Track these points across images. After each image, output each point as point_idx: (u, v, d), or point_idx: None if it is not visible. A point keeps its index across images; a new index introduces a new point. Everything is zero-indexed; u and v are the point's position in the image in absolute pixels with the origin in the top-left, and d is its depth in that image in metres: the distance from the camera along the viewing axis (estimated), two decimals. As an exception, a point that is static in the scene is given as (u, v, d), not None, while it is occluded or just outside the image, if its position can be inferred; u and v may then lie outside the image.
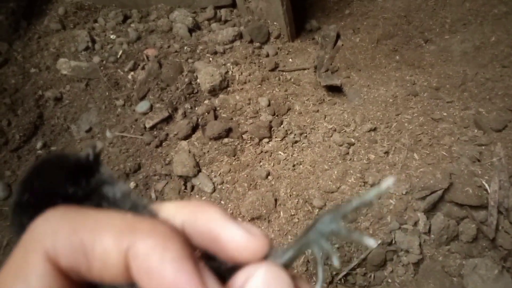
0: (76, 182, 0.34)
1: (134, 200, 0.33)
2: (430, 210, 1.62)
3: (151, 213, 0.33)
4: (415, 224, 1.60)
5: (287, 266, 0.33)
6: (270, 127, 1.94)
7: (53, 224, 0.28)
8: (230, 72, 2.15)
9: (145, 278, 0.27)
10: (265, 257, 0.33)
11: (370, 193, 0.32)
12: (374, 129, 1.91)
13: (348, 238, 0.32)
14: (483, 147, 1.73)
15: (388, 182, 0.31)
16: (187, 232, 0.32)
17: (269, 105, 2.03)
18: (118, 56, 2.27)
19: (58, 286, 0.27)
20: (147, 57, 2.24)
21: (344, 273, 1.56)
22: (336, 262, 0.31)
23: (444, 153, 1.74)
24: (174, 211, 0.33)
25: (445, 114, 1.89)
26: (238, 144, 1.91)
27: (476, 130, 1.79)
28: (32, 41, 2.39)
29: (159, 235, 0.28)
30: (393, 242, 1.58)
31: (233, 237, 0.32)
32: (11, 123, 2.07)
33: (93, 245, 0.27)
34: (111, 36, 2.39)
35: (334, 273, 1.57)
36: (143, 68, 2.20)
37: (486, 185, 1.59)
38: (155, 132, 2.00)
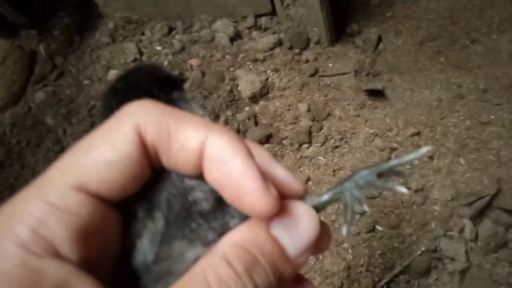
0: (162, 89, 0.40)
1: None
2: (477, 217, 1.57)
3: None
4: (461, 231, 1.55)
5: (319, 209, 0.37)
6: (310, 133, 1.96)
7: (147, 107, 0.32)
8: (270, 79, 2.19)
9: (215, 165, 0.31)
10: (302, 198, 0.37)
11: (408, 157, 0.36)
12: (418, 134, 1.87)
13: (382, 187, 0.36)
14: (534, 151, 1.65)
15: (425, 149, 0.36)
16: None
17: (309, 110, 2.04)
18: (164, 67, 2.36)
19: (139, 157, 0.31)
20: (191, 67, 2.33)
21: (386, 280, 1.54)
22: (366, 208, 0.35)
23: (492, 158, 1.68)
24: None
25: (493, 117, 1.82)
26: (278, 149, 1.94)
27: (526, 133, 1.72)
28: (85, 54, 2.54)
29: (233, 135, 0.32)
30: (438, 249, 1.54)
31: (279, 174, 0.36)
32: (66, 131, 2.21)
33: (177, 130, 0.32)
34: (157, 48, 2.49)
35: (376, 280, 1.55)
36: (187, 78, 2.28)
37: (538, 191, 1.52)
38: (198, 139, 2.06)
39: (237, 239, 0.32)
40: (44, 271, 0.27)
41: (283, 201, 0.34)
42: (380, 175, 0.36)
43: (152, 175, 0.34)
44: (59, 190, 0.30)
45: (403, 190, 0.35)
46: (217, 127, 0.32)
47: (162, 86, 0.40)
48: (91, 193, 0.30)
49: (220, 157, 0.31)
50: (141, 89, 0.38)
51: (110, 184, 0.30)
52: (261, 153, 0.37)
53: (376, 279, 1.55)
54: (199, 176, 0.34)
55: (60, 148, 2.15)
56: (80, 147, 0.31)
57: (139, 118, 0.31)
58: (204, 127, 0.32)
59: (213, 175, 0.32)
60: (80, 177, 0.30)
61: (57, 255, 0.28)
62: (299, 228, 0.34)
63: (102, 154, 0.30)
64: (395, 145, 1.85)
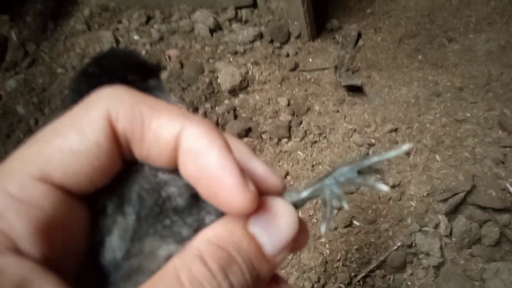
0: (137, 76, 0.37)
1: None
2: (452, 213, 1.59)
3: None
4: (436, 226, 1.58)
5: (298, 205, 0.36)
6: (289, 127, 1.95)
7: (119, 93, 0.30)
8: (250, 72, 2.16)
9: (191, 158, 0.29)
10: (280, 194, 0.35)
11: (388, 154, 0.35)
12: (395, 130, 1.89)
13: (362, 184, 0.35)
14: (507, 149, 1.69)
15: (405, 146, 0.34)
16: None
17: (288, 105, 2.03)
18: (141, 57, 2.31)
19: (108, 147, 0.29)
20: (169, 58, 2.28)
21: (362, 275, 1.55)
22: (345, 205, 0.34)
23: (467, 155, 1.71)
24: None
25: (468, 115, 1.85)
26: (257, 144, 1.92)
27: (500, 132, 1.75)
28: (59, 41, 2.46)
29: (210, 126, 0.30)
30: (413, 244, 1.56)
31: (258, 169, 0.35)
32: (38, 121, 2.13)
33: (151, 119, 0.29)
34: (135, 37, 2.43)
35: (353, 274, 1.56)
36: (165, 68, 2.24)
37: (510, 188, 1.55)
38: (176, 132, 2.03)
39: (212, 236, 0.30)
40: (2, 268, 0.25)
41: (261, 197, 0.33)
42: (360, 171, 0.35)
43: (123, 167, 0.32)
44: (19, 180, 0.27)
45: (384, 188, 0.34)
46: (194, 118, 0.30)
47: (138, 73, 0.38)
48: (55, 184, 0.28)
49: (196, 149, 0.29)
50: (114, 74, 0.35)
51: (76, 175, 0.28)
52: (239, 147, 0.35)
53: (353, 274, 1.56)
54: (174, 170, 0.32)
55: (31, 138, 2.08)
56: (44, 135, 0.29)
57: (110, 105, 0.29)
58: (180, 117, 0.30)
59: (188, 168, 0.30)
60: (43, 167, 0.27)
61: (16, 251, 0.26)
62: (277, 226, 0.32)
63: (68, 143, 0.28)
64: (373, 141, 1.86)
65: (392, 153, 0.35)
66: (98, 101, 0.29)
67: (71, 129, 0.28)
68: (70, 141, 0.28)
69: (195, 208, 0.33)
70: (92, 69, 0.37)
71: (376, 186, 0.35)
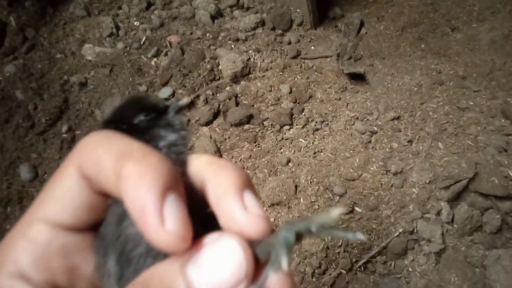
0: (147, 117, 0.40)
1: (176, 150, 0.38)
2: (454, 200, 1.59)
3: (182, 162, 0.36)
4: (438, 213, 1.57)
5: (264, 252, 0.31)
6: (291, 115, 1.94)
7: (87, 142, 0.34)
8: (252, 59, 2.15)
9: (123, 195, 0.30)
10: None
11: (321, 218, 0.28)
12: (398, 118, 1.88)
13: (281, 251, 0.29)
14: (510, 137, 1.68)
15: (336, 211, 0.28)
16: (205, 188, 0.34)
17: (290, 92, 2.02)
18: (142, 43, 2.29)
19: (80, 188, 0.33)
20: (170, 44, 2.26)
21: (363, 260, 1.55)
22: (283, 265, 0.28)
23: (470, 143, 1.70)
24: (202, 165, 0.35)
25: (471, 103, 1.85)
26: (259, 130, 1.91)
27: (503, 120, 1.75)
28: (58, 27, 2.43)
29: (143, 162, 0.30)
30: (415, 231, 1.56)
31: (233, 213, 0.31)
32: (37, 107, 2.11)
33: (103, 162, 0.32)
34: (135, 23, 2.41)
35: (354, 260, 1.56)
36: (166, 54, 2.22)
37: (513, 176, 1.55)
38: (177, 118, 2.01)
39: (141, 277, 0.30)
40: None
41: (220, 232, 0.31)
42: (298, 233, 0.29)
43: (111, 203, 0.34)
44: (32, 225, 0.33)
45: (283, 265, 0.28)
46: (135, 155, 0.31)
47: (148, 114, 0.41)
48: (51, 223, 0.33)
49: (125, 187, 0.30)
50: (122, 120, 0.40)
51: (62, 214, 0.33)
52: (223, 181, 0.32)
53: (354, 260, 1.56)
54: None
55: (30, 124, 2.06)
56: (44, 189, 0.35)
57: (82, 152, 0.33)
58: (122, 157, 0.31)
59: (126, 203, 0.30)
60: (42, 213, 0.33)
61: (21, 276, 0.32)
62: (217, 268, 0.28)
63: (52, 191, 0.34)
64: (375, 128, 1.86)
65: (322, 218, 0.28)
66: (72, 156, 0.34)
67: (55, 179, 0.34)
68: (54, 190, 0.34)
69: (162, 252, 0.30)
70: (108, 118, 0.41)
71: (279, 259, 0.28)
